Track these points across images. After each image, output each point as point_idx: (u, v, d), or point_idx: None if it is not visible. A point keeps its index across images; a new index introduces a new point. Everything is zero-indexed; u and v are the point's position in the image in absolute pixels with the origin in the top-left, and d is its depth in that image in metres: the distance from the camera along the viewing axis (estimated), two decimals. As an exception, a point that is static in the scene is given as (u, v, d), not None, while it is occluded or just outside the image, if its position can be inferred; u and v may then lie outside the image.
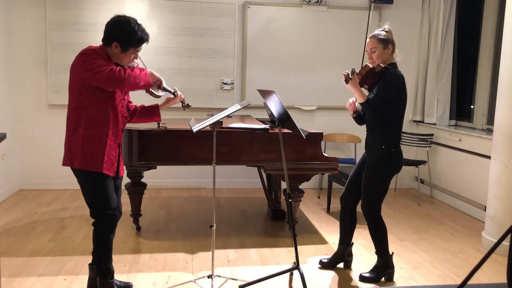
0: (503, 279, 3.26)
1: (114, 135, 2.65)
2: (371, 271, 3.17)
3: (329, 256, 3.41)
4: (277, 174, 3.93)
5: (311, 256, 3.57)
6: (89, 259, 2.88)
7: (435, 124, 5.50)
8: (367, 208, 3.09)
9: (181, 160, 3.77)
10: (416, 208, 5.03)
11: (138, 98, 2.91)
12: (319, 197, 5.37)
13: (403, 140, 3.34)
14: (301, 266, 2.97)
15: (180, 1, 5.25)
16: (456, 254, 3.72)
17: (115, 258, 2.84)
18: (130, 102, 2.90)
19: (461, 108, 5.67)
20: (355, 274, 3.27)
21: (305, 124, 5.48)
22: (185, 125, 3.58)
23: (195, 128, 2.89)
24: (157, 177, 5.10)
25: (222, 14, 5.33)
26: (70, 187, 5.21)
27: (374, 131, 3.06)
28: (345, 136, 5.62)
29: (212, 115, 3.03)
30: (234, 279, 3.10)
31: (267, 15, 5.43)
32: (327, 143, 5.68)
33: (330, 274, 3.27)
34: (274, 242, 3.86)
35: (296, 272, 3.02)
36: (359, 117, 3.23)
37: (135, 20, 2.61)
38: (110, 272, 2.75)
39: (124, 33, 2.56)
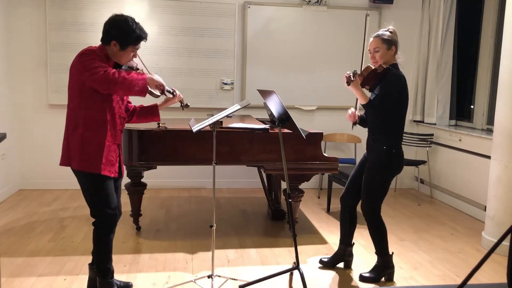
0: (503, 279, 3.26)
1: (113, 136, 2.66)
2: (371, 271, 3.17)
3: (330, 256, 3.42)
4: (277, 174, 3.93)
5: (311, 256, 3.58)
6: (89, 259, 2.88)
7: (435, 124, 5.50)
8: (367, 208, 3.09)
9: (181, 160, 3.77)
10: (416, 208, 5.03)
11: (137, 98, 2.91)
12: (319, 197, 5.37)
13: (403, 140, 3.34)
14: (301, 266, 2.97)
15: (180, 1, 5.25)
16: (456, 254, 3.72)
17: (115, 258, 2.84)
18: (130, 103, 2.91)
19: (461, 108, 5.67)
20: (355, 274, 3.27)
21: (305, 124, 5.48)
22: (185, 125, 3.58)
23: (195, 128, 2.89)
24: (157, 177, 5.10)
25: (222, 14, 5.33)
26: (70, 187, 5.21)
27: (376, 132, 3.06)
28: (345, 136, 5.62)
29: (212, 115, 3.03)
30: (234, 279, 3.10)
31: (267, 15, 5.43)
32: (327, 143, 5.68)
33: (330, 274, 3.27)
34: (274, 242, 3.86)
35: (296, 272, 3.02)
36: (363, 121, 3.21)
37: (133, 19, 2.62)
38: (110, 272, 2.75)
39: (123, 32, 2.57)
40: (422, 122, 5.69)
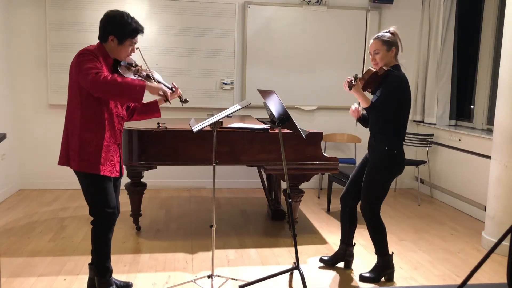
0: (503, 279, 3.26)
1: (112, 137, 2.66)
2: (371, 271, 3.17)
3: (330, 255, 3.42)
4: (277, 174, 3.93)
5: (311, 256, 3.58)
6: (89, 259, 2.88)
7: (435, 124, 5.50)
8: (367, 208, 3.09)
9: (181, 160, 3.77)
10: (416, 208, 5.03)
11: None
12: (319, 197, 5.37)
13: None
14: (301, 266, 2.97)
15: (180, 1, 5.25)
16: (456, 254, 3.72)
17: (115, 258, 2.84)
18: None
19: (461, 108, 5.67)
20: (355, 274, 3.27)
21: (305, 124, 5.48)
22: (185, 125, 3.58)
23: (195, 128, 2.89)
24: (157, 177, 5.10)
25: (222, 14, 5.33)
26: (70, 187, 5.21)
27: (377, 132, 3.05)
28: (345, 136, 5.62)
29: (212, 115, 3.03)
30: (234, 279, 3.10)
31: (267, 15, 5.43)
32: (327, 143, 5.68)
33: (330, 274, 3.27)
34: (274, 242, 3.86)
35: (296, 272, 3.02)
36: (364, 121, 3.21)
37: (127, 13, 2.64)
38: (109, 271, 2.75)
39: (118, 25, 2.58)
40: (422, 122, 5.69)
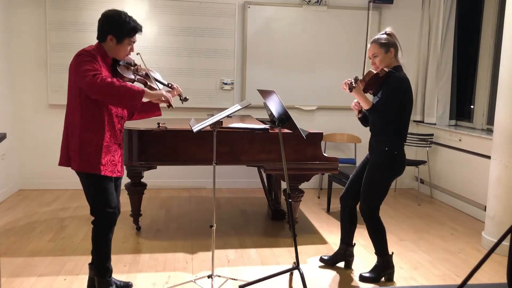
0: (503, 279, 3.26)
1: (112, 137, 2.65)
2: (371, 271, 3.17)
3: (330, 255, 3.42)
4: (277, 174, 3.93)
5: (311, 256, 3.58)
6: (89, 259, 2.88)
7: (435, 124, 5.50)
8: (366, 208, 3.09)
9: (181, 160, 3.77)
10: (416, 208, 5.03)
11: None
12: (319, 197, 5.37)
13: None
14: (301, 266, 2.97)
15: (180, 1, 5.25)
16: (456, 254, 3.72)
17: (115, 258, 2.85)
18: None
19: (461, 108, 5.67)
20: (355, 274, 3.27)
21: (305, 124, 5.48)
22: (185, 125, 3.58)
23: (195, 128, 2.89)
24: (157, 177, 5.10)
25: (222, 14, 5.33)
26: (70, 187, 5.22)
27: (378, 133, 3.05)
28: (345, 136, 5.62)
29: (212, 115, 3.03)
30: (234, 279, 3.10)
31: (267, 15, 5.43)
32: (327, 143, 5.68)
33: (330, 274, 3.27)
34: (274, 242, 3.86)
35: (296, 272, 3.02)
36: (364, 118, 3.21)
37: (125, 13, 2.64)
38: (109, 271, 2.75)
39: (117, 25, 2.59)
40: (422, 122, 5.69)
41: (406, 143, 3.10)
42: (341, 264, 3.38)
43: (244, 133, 3.73)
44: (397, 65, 3.00)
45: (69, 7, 5.09)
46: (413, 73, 5.72)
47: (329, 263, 3.38)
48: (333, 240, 3.92)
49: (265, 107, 3.07)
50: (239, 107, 2.98)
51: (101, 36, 2.63)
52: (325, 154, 3.84)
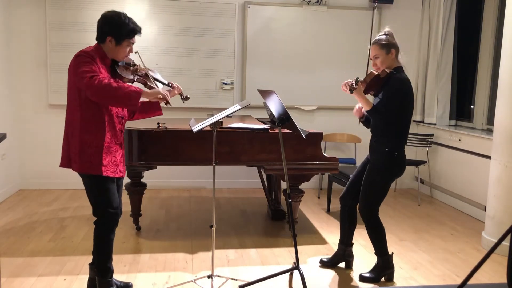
0: (503, 279, 3.26)
1: (113, 137, 2.65)
2: (371, 271, 3.17)
3: (330, 256, 3.42)
4: (277, 174, 3.93)
5: (311, 256, 3.58)
6: (89, 259, 2.88)
7: (435, 124, 5.50)
8: (365, 209, 3.09)
9: (181, 160, 3.77)
10: (416, 208, 5.03)
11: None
12: (319, 197, 5.37)
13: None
14: (301, 266, 2.97)
15: (180, 1, 5.25)
16: (456, 254, 3.72)
17: (115, 258, 2.84)
18: None
19: (461, 108, 5.67)
20: (355, 274, 3.27)
21: (305, 124, 5.48)
22: (185, 125, 3.58)
23: (195, 128, 2.89)
24: (157, 177, 5.10)
25: (222, 14, 5.33)
26: (70, 187, 5.22)
27: (378, 134, 3.05)
28: (345, 136, 5.62)
29: (212, 115, 3.03)
30: (234, 279, 3.10)
31: (267, 15, 5.43)
32: (327, 143, 5.68)
33: (330, 274, 3.27)
34: (274, 242, 3.86)
35: (296, 272, 3.02)
36: (367, 121, 3.21)
37: (124, 14, 2.64)
38: (110, 272, 2.75)
39: (116, 26, 2.59)
40: (422, 122, 5.69)
41: (406, 144, 3.10)
42: (342, 265, 3.38)
43: (244, 133, 3.73)
44: (398, 66, 3.00)
45: (69, 7, 5.09)
46: (413, 73, 5.72)
47: (329, 264, 3.37)
48: (333, 240, 3.92)
49: (265, 107, 3.07)
50: (239, 107, 2.98)
51: (100, 37, 2.63)
52: (325, 154, 3.84)
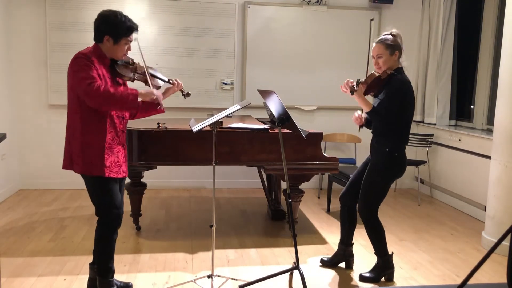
0: (503, 279, 3.26)
1: (115, 137, 2.65)
2: (371, 271, 3.17)
3: (330, 256, 3.42)
4: (277, 174, 3.93)
5: (311, 256, 3.58)
6: (89, 259, 2.88)
7: (435, 124, 5.50)
8: (365, 209, 3.09)
9: (181, 160, 3.77)
10: (416, 208, 5.03)
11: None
12: (319, 197, 5.37)
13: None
14: (301, 266, 2.97)
15: (180, 1, 5.25)
16: (456, 254, 3.72)
17: (115, 258, 2.84)
18: None
19: (461, 108, 5.67)
20: (355, 274, 3.27)
21: (305, 124, 5.48)
22: (185, 125, 3.58)
23: (195, 128, 2.89)
24: (157, 177, 5.10)
25: (222, 14, 5.33)
26: (70, 187, 5.22)
27: (379, 135, 3.04)
28: (345, 136, 5.62)
29: (212, 115, 3.03)
30: (234, 279, 3.10)
31: (267, 15, 5.43)
32: (327, 143, 5.68)
33: (330, 274, 3.27)
34: (274, 242, 3.86)
35: (296, 272, 3.02)
36: (367, 124, 3.19)
37: (120, 12, 2.64)
38: (111, 272, 2.75)
39: (113, 25, 2.59)
40: (422, 122, 5.69)
41: (407, 144, 3.10)
42: (342, 265, 3.38)
43: (244, 133, 3.73)
44: (399, 67, 2.99)
45: (69, 7, 5.09)
46: (413, 73, 5.72)
47: (329, 264, 3.37)
48: (333, 240, 3.92)
49: (265, 107, 3.07)
50: (239, 107, 2.98)
51: (98, 37, 2.63)
52: (325, 154, 3.84)
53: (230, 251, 3.63)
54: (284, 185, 4.53)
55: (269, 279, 3.02)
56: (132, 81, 2.80)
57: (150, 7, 5.22)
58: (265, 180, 4.80)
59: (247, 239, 3.90)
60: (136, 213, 3.98)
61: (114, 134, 2.65)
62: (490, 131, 4.81)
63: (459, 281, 3.23)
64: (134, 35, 2.69)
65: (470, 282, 1.55)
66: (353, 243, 3.35)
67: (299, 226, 4.13)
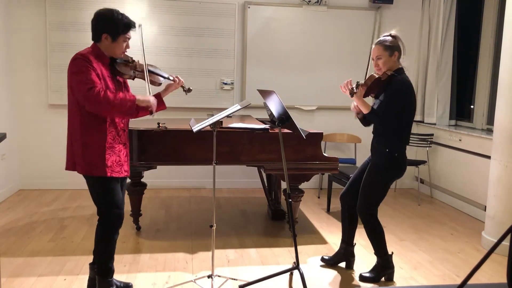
0: (503, 279, 3.26)
1: (116, 137, 2.65)
2: (371, 271, 3.17)
3: (331, 255, 3.42)
4: (277, 174, 3.93)
5: (311, 256, 3.58)
6: (89, 259, 2.88)
7: (435, 124, 5.50)
8: (364, 209, 3.09)
9: (181, 160, 3.77)
10: (416, 208, 5.03)
11: (139, 89, 2.91)
12: (319, 197, 5.37)
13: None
14: (301, 266, 2.97)
15: (180, 1, 5.25)
16: (456, 254, 3.72)
17: (115, 258, 2.84)
18: None
19: (461, 108, 5.67)
20: (355, 274, 3.27)
21: (305, 124, 5.48)
22: (185, 125, 3.58)
23: (195, 128, 2.89)
24: (157, 177, 5.10)
25: (222, 14, 5.33)
26: (70, 187, 5.22)
27: (379, 135, 3.04)
28: (345, 136, 5.62)
29: (212, 115, 3.03)
30: (234, 279, 3.10)
31: (267, 15, 5.43)
32: (327, 143, 5.68)
33: (330, 274, 3.27)
34: (274, 242, 3.86)
35: (296, 272, 3.02)
36: (364, 118, 3.20)
37: (117, 10, 2.64)
38: (111, 272, 2.75)
39: (110, 23, 2.59)
40: (422, 122, 5.69)
41: (408, 144, 3.09)
42: (342, 264, 3.38)
43: (244, 133, 3.73)
44: (399, 68, 2.99)
45: (69, 7, 5.08)
46: (413, 73, 5.71)
47: (330, 263, 3.38)
48: (333, 240, 3.92)
49: (265, 107, 3.07)
50: (239, 107, 2.98)
51: (96, 36, 2.63)
52: (325, 154, 3.84)
53: (230, 251, 3.63)
54: (284, 185, 4.53)
55: (269, 279, 3.02)
56: (133, 79, 2.80)
57: (150, 7, 5.22)
58: (265, 180, 4.80)
59: (247, 239, 3.90)
60: (136, 213, 3.98)
61: (115, 134, 2.65)
62: (490, 131, 4.81)
63: (459, 281, 3.23)
64: (131, 33, 2.69)
65: (470, 282, 1.55)
66: (355, 244, 3.35)
67: (299, 226, 4.13)
